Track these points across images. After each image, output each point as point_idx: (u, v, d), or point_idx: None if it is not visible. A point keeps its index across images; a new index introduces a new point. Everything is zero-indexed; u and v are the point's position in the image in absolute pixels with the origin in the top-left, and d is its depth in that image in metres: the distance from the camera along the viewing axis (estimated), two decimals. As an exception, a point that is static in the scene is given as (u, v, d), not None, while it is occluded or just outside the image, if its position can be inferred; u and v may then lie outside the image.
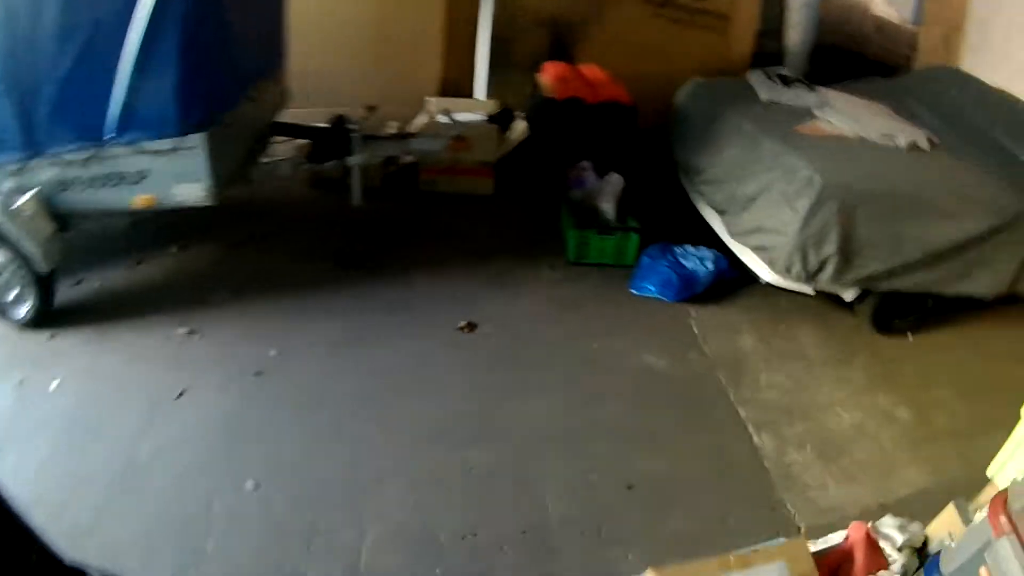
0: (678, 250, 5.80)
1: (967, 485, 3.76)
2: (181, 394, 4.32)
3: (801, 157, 5.08)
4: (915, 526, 3.29)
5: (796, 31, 8.52)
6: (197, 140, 4.45)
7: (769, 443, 4.46)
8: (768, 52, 8.47)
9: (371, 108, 6.22)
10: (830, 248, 4.92)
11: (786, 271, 5.09)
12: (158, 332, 4.80)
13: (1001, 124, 5.98)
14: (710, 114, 6.18)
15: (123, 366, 4.52)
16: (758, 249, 5.28)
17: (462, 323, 5.12)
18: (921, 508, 3.57)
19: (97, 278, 5.23)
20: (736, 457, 4.36)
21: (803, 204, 4.86)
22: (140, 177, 4.54)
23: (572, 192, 6.23)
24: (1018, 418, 3.62)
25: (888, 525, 3.31)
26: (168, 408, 4.24)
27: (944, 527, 3.18)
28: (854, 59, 9.14)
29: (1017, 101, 6.20)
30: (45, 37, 4.18)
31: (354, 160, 5.62)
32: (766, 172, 5.23)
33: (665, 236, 6.03)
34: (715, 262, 5.70)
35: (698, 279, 5.61)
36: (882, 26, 9.39)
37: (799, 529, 3.85)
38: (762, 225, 5.21)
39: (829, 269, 5.01)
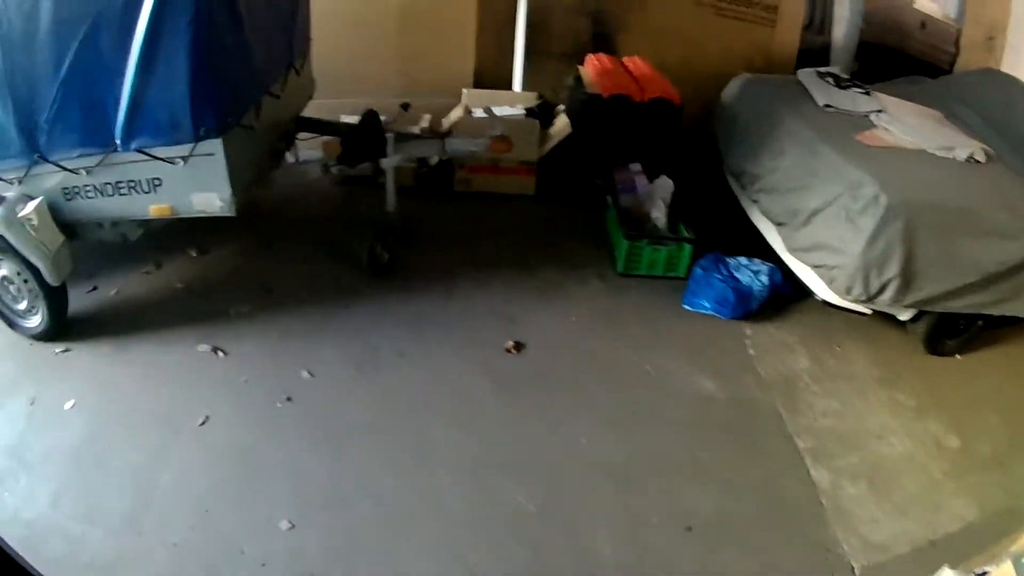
0: (731, 262, 5.51)
1: (1011, 518, 3.88)
2: (205, 420, 4.07)
3: (865, 171, 4.80)
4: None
5: (842, 25, 8.22)
6: (213, 146, 4.13)
7: (824, 476, 4.26)
8: (813, 48, 8.18)
9: (405, 105, 5.80)
10: (892, 270, 4.68)
11: (846, 292, 4.85)
12: (179, 347, 4.55)
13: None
14: (764, 116, 5.89)
15: (142, 386, 4.28)
16: (817, 267, 5.02)
17: (509, 343, 4.84)
18: (967, 544, 3.63)
19: (113, 284, 4.97)
20: (792, 491, 4.16)
21: (868, 223, 4.61)
22: (153, 185, 4.24)
23: (621, 198, 5.91)
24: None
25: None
26: (191, 435, 4.00)
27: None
28: (897, 57, 8.93)
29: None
30: (42, 34, 3.86)
31: (388, 163, 5.26)
32: (829, 185, 4.94)
33: (716, 245, 5.73)
34: (770, 276, 5.42)
35: (753, 295, 5.34)
36: (926, 22, 9.09)
37: (853, 570, 3.71)
38: (823, 242, 4.94)
39: (890, 291, 4.77)
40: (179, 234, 5.38)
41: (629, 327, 5.22)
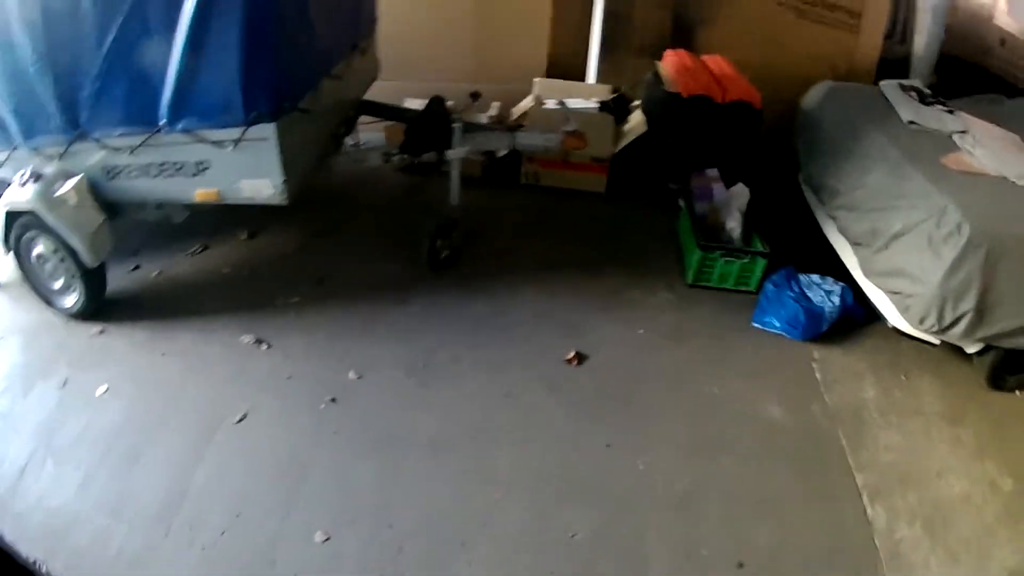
0: (803, 279, 5.32)
1: None
2: (243, 417, 3.95)
3: (950, 197, 4.60)
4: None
5: (923, 36, 7.88)
6: (266, 131, 3.92)
7: (881, 516, 4.10)
8: (894, 57, 7.91)
9: (475, 95, 5.52)
10: (968, 303, 4.52)
11: (919, 322, 4.69)
12: (220, 337, 4.44)
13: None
14: (848, 128, 5.65)
15: (179, 375, 4.17)
16: (893, 294, 4.87)
17: (570, 354, 4.65)
18: None
19: (156, 264, 4.86)
20: (848, 530, 3.99)
21: (950, 252, 4.43)
22: (200, 169, 4.08)
23: (697, 205, 5.71)
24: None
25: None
26: (228, 431, 3.87)
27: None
28: (976, 72, 8.60)
29: None
30: (86, 2, 3.68)
31: (454, 154, 5.02)
32: (913, 209, 4.76)
33: (789, 260, 5.53)
34: (842, 297, 5.23)
35: (824, 316, 5.14)
36: (1005, 39, 8.77)
37: None
38: (901, 268, 4.77)
39: (962, 325, 4.61)
40: (229, 215, 5.22)
41: (696, 343, 5.03)
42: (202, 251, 5.03)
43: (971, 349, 4.97)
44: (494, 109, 6.07)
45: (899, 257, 4.78)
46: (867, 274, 5.06)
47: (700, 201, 5.70)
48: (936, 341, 4.95)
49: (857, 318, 5.31)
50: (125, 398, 3.93)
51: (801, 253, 5.63)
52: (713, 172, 5.84)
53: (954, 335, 4.70)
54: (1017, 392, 5.26)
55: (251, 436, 3.83)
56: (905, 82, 6.44)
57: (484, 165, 5.96)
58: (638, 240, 5.94)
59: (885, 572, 3.77)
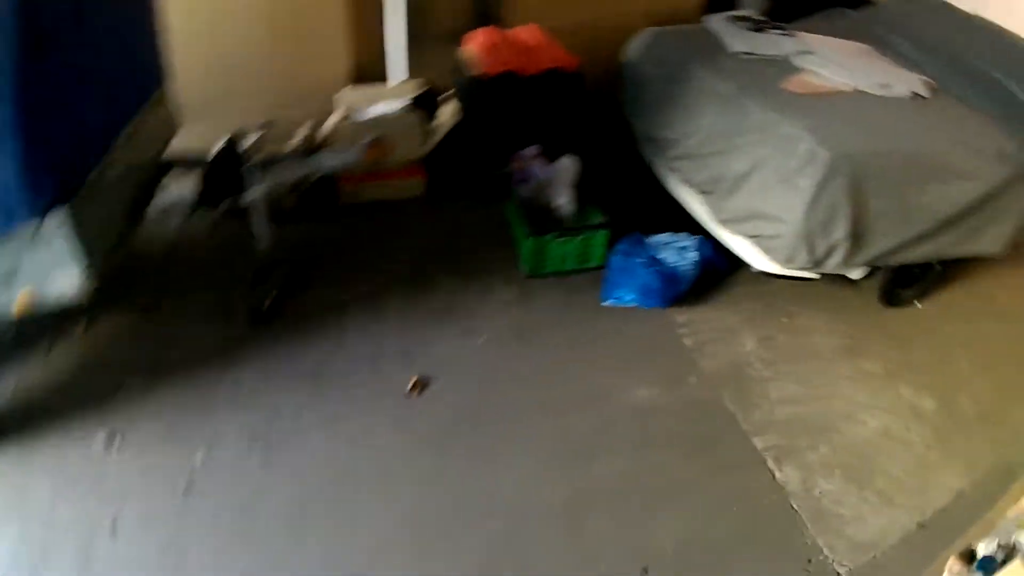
0: (654, 241, 4.89)
1: (1002, 475, 3.83)
2: (114, 525, 3.48)
3: (798, 124, 4.28)
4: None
5: (749, -38, 7.51)
6: (57, 219, 3.42)
7: (793, 476, 3.85)
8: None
9: (267, 125, 5.09)
10: (840, 231, 4.19)
11: (788, 262, 4.35)
12: (80, 440, 3.92)
13: (989, 56, 5.32)
14: (674, 73, 5.23)
15: (49, 498, 3.65)
16: (753, 237, 4.49)
17: (410, 383, 4.15)
18: (962, 516, 3.58)
19: (12, 375, 4.32)
20: (759, 501, 3.73)
21: (807, 184, 4.09)
22: (8, 276, 3.54)
23: (519, 189, 5.22)
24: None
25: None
26: (105, 545, 3.42)
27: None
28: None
29: (1000, 29, 5.53)
30: None
31: (251, 196, 4.54)
32: (757, 145, 4.40)
33: (635, 225, 5.10)
34: (699, 251, 4.81)
35: (681, 276, 4.74)
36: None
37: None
38: (757, 210, 4.39)
39: (838, 254, 4.29)
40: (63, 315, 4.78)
41: (547, 339, 4.58)
42: (50, 351, 4.62)
43: (855, 275, 4.70)
44: (302, 134, 5.67)
45: (752, 198, 4.43)
46: (721, 223, 4.68)
47: (523, 184, 5.24)
48: (815, 275, 4.63)
49: (720, 269, 4.94)
50: (7, 539, 3.48)
51: (649, 215, 5.22)
52: (532, 150, 5.35)
53: (831, 266, 4.40)
54: (916, 303, 5.14)
55: (123, 545, 3.40)
56: (735, 13, 6.08)
57: (297, 194, 5.54)
58: (466, 240, 5.45)
59: (813, 535, 3.57)
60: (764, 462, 3.88)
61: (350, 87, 6.14)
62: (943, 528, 3.62)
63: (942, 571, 2.95)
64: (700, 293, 4.88)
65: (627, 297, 4.70)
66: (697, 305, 4.83)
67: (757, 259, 4.51)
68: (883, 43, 5.61)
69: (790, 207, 4.14)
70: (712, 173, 4.68)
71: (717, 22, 5.78)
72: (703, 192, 4.81)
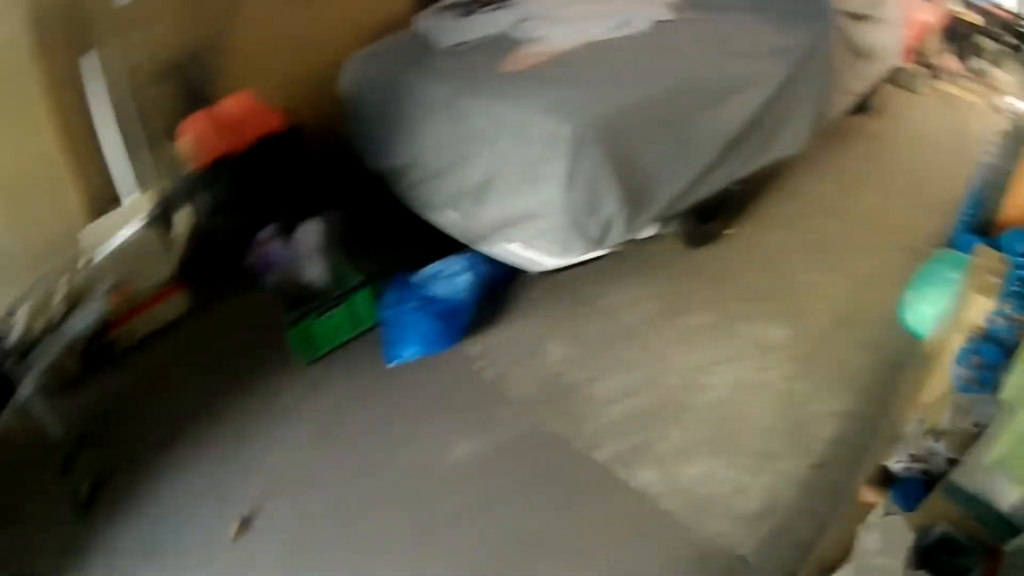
0: (421, 279, 4.35)
1: (886, 376, 3.80)
2: None
3: (526, 106, 3.88)
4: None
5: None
6: None
7: (650, 476, 3.50)
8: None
9: (10, 313, 4.43)
10: (611, 205, 3.82)
11: (566, 254, 3.97)
12: None
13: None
14: (388, 93, 4.66)
15: None
16: (520, 242, 4.07)
17: (233, 526, 3.59)
18: (854, 438, 3.53)
19: None
20: (624, 518, 3.36)
21: (557, 167, 3.69)
22: None
23: (267, 279, 4.60)
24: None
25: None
26: None
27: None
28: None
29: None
30: None
31: (24, 393, 3.90)
32: (489, 145, 3.97)
33: (402, 267, 4.55)
34: (472, 271, 4.30)
35: (461, 306, 4.24)
36: None
37: (744, 558, 3.11)
38: (511, 214, 3.98)
39: (618, 227, 3.92)
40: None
41: (347, 426, 4.00)
42: None
43: (647, 233, 4.29)
44: (62, 289, 4.96)
45: (503, 204, 4.01)
46: (479, 240, 4.24)
47: (269, 270, 4.62)
48: (604, 251, 4.18)
49: (502, 279, 4.48)
50: None
51: (415, 251, 4.68)
52: (268, 232, 4.77)
53: (615, 239, 4.00)
54: (730, 231, 4.90)
55: None
56: (441, 3, 5.54)
57: (79, 355, 4.84)
58: (242, 344, 4.76)
59: (697, 529, 3.24)
60: (613, 474, 3.48)
61: (91, 223, 5.48)
62: (842, 459, 3.42)
63: (858, 503, 2.73)
64: (491, 312, 4.43)
65: (411, 351, 4.17)
66: (489, 328, 4.38)
67: (534, 262, 4.11)
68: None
69: (546, 200, 3.76)
70: (452, 190, 4.25)
71: (426, 19, 5.27)
72: (453, 211, 4.35)
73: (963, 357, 2.95)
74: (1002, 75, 10.31)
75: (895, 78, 8.23)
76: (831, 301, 4.27)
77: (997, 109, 9.41)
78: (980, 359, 2.89)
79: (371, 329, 4.44)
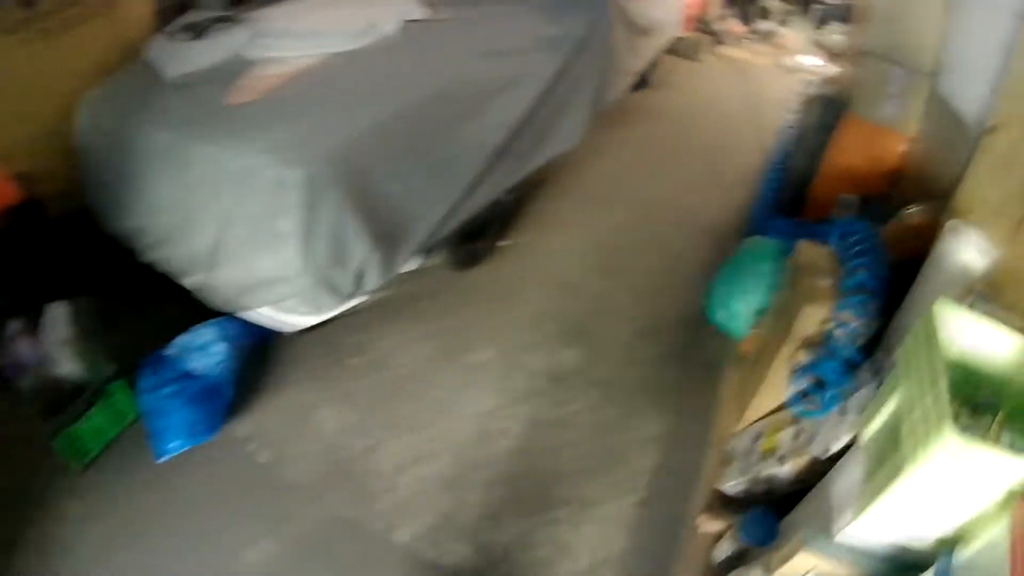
0: (176, 354, 3.74)
1: (698, 394, 3.72)
2: None
3: (252, 148, 3.31)
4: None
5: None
6: None
7: (462, 550, 3.17)
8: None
9: None
10: (361, 251, 3.37)
11: (319, 311, 3.48)
12: None
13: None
14: (114, 141, 3.94)
15: None
16: (265, 305, 3.53)
17: None
18: (682, 460, 3.41)
19: None
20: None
21: (291, 221, 3.19)
22: None
23: (17, 383, 3.83)
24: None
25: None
26: None
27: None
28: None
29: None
30: None
31: None
32: (214, 197, 3.38)
33: (161, 338, 3.87)
34: (225, 339, 3.73)
35: (219, 381, 3.67)
36: None
37: None
38: (251, 279, 3.42)
39: (373, 271, 3.48)
40: None
41: (126, 539, 3.32)
42: None
43: (412, 267, 3.89)
44: None
45: (237, 267, 3.45)
46: (226, 306, 3.69)
47: (19, 373, 3.86)
48: (365, 298, 3.72)
49: (260, 343, 3.97)
50: None
51: (168, 322, 4.00)
52: (13, 328, 4.11)
53: (375, 283, 3.54)
54: (503, 243, 4.64)
55: None
56: (183, 21, 4.72)
57: None
58: (17, 466, 3.81)
59: None
60: (420, 556, 3.11)
61: None
62: (670, 489, 3.29)
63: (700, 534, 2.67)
64: (254, 380, 3.90)
65: (176, 443, 3.60)
66: (256, 400, 3.83)
67: (288, 323, 3.63)
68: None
69: (285, 261, 3.26)
70: (184, 254, 3.67)
71: (156, 46, 4.50)
72: (187, 277, 3.75)
73: (799, 377, 2.74)
74: (789, 34, 10.37)
75: (676, 48, 8.10)
76: (627, 308, 4.06)
77: (787, 70, 9.42)
78: (819, 378, 2.67)
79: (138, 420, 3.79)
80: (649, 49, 6.22)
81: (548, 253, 4.59)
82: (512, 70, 3.96)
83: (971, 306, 2.23)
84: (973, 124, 3.38)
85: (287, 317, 3.57)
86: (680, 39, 7.78)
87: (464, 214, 3.87)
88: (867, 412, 2.30)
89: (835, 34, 10.63)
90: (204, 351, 3.70)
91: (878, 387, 2.38)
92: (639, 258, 4.58)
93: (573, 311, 4.18)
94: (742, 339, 3.76)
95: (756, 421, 3.06)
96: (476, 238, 4.37)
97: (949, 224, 2.73)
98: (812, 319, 2.79)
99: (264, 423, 3.71)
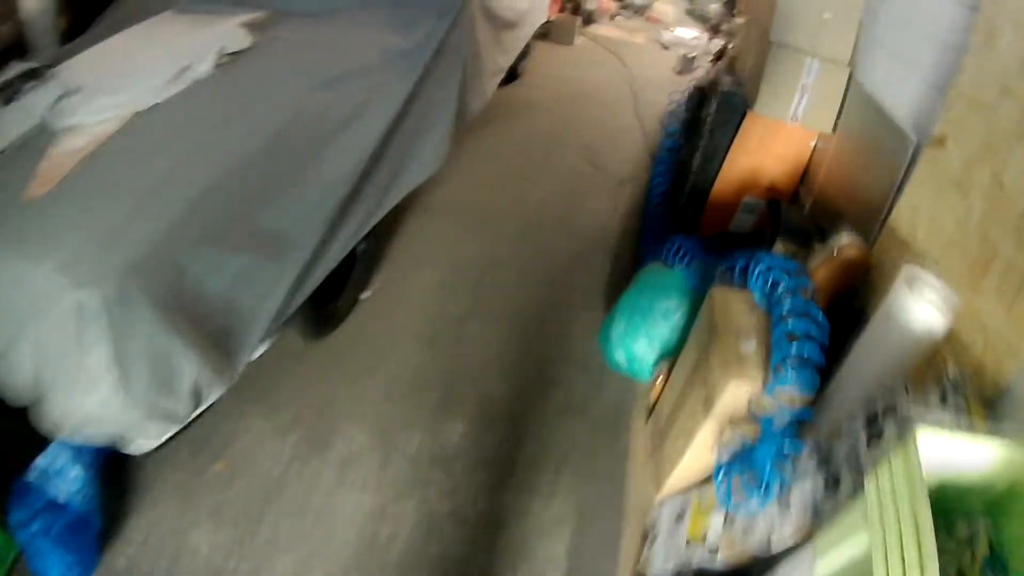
0: (36, 478, 3.09)
1: (604, 454, 3.39)
2: None
3: (45, 263, 2.57)
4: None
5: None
6: None
7: None
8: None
9: None
10: (191, 369, 2.73)
11: (158, 436, 2.88)
12: None
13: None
14: None
15: None
16: (101, 440, 2.88)
17: None
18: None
19: None
20: None
21: (98, 358, 2.52)
22: None
23: None
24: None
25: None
26: None
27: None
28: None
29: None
30: None
31: None
32: (19, 325, 2.63)
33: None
34: (78, 460, 3.07)
35: (86, 508, 3.08)
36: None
37: None
38: (75, 414, 2.72)
39: (211, 385, 2.86)
40: None
41: None
42: None
43: (260, 352, 3.23)
44: None
45: (62, 408, 2.74)
46: (62, 436, 2.97)
47: None
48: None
49: (115, 458, 3.28)
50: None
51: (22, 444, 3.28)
52: None
53: (214, 394, 2.92)
54: (366, 295, 4.06)
55: None
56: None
57: None
58: None
59: None
60: None
61: None
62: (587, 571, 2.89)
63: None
64: (119, 498, 3.31)
65: None
66: (127, 525, 3.24)
67: (132, 449, 3.01)
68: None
69: (103, 401, 2.61)
70: (6, 383, 2.89)
71: None
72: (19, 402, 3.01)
73: (728, 466, 2.34)
74: (663, 6, 10.03)
75: (546, 31, 7.64)
76: (513, 356, 3.60)
77: (664, 45, 9.06)
78: (752, 473, 2.24)
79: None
80: (517, 41, 5.74)
81: (417, 297, 4.09)
82: (355, 98, 3.40)
83: (942, 400, 1.80)
84: (908, 128, 2.96)
85: (129, 446, 2.98)
86: (549, 22, 7.31)
87: (313, 283, 3.26)
88: (821, 542, 1.93)
89: (711, 3, 10.39)
90: (62, 476, 3.12)
91: (826, 485, 2.04)
92: (521, 291, 4.14)
93: (451, 370, 3.68)
94: (646, 382, 3.40)
95: (676, 491, 2.68)
96: (332, 299, 3.81)
97: (905, 271, 2.27)
98: (738, 395, 2.38)
99: (138, 554, 3.15)
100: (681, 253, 3.63)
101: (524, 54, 6.46)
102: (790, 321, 2.45)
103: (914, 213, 2.69)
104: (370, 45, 3.73)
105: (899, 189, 2.94)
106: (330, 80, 3.45)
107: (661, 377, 3.30)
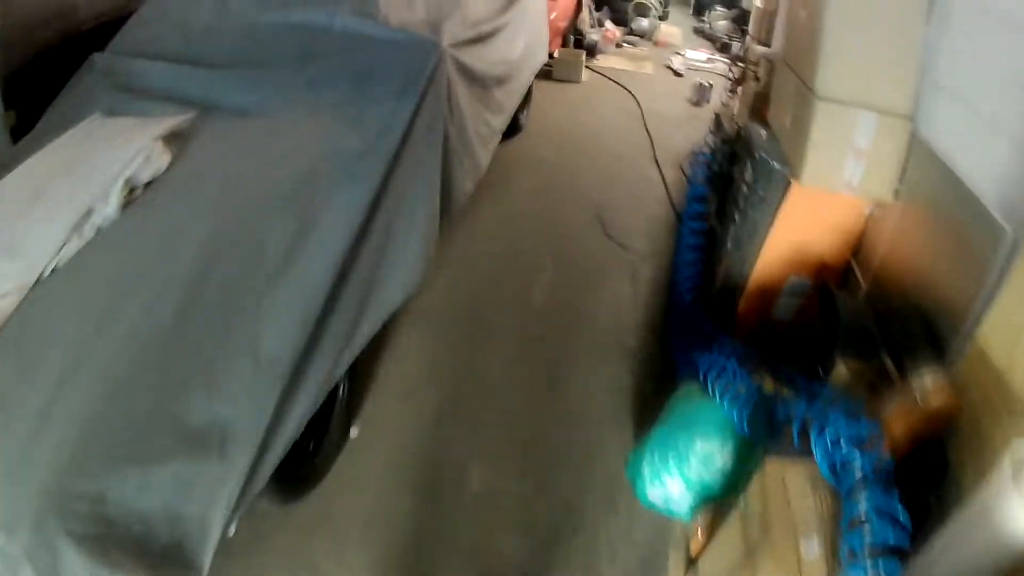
0: None
1: None
2: None
3: None
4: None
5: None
6: None
7: None
8: None
9: None
10: None
11: None
12: None
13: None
14: None
15: None
16: None
17: None
18: None
19: None
20: None
21: None
22: None
23: None
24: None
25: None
26: None
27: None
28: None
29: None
30: None
31: None
32: None
33: None
34: None
35: None
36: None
37: None
38: None
39: None
40: None
41: None
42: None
43: (230, 534, 2.47)
44: None
45: None
46: None
47: None
48: None
49: None
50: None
51: None
52: None
53: None
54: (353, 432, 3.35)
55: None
56: None
57: None
58: None
59: None
60: None
61: None
62: None
63: None
64: None
65: None
66: None
67: None
68: (129, 86, 3.52)
69: None
70: None
71: None
72: None
73: None
74: (669, 29, 9.37)
75: (548, 72, 6.96)
76: (526, 506, 2.97)
77: (675, 71, 8.37)
78: None
79: None
80: (513, 95, 5.00)
81: (405, 435, 3.35)
82: (299, 221, 2.69)
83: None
84: (997, 210, 2.19)
85: None
86: (551, 59, 6.60)
87: (274, 461, 2.52)
88: None
89: (719, 20, 9.72)
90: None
91: None
92: (530, 422, 3.40)
93: (451, 533, 2.98)
94: (687, 523, 2.78)
95: None
96: (308, 454, 3.09)
97: (1013, 450, 1.54)
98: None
99: None
100: (718, 375, 2.90)
101: (525, 101, 5.73)
102: (866, 528, 1.74)
103: (1015, 336, 1.92)
104: (315, 148, 3.03)
105: (990, 292, 2.17)
106: (265, 204, 2.75)
107: (703, 528, 2.63)
